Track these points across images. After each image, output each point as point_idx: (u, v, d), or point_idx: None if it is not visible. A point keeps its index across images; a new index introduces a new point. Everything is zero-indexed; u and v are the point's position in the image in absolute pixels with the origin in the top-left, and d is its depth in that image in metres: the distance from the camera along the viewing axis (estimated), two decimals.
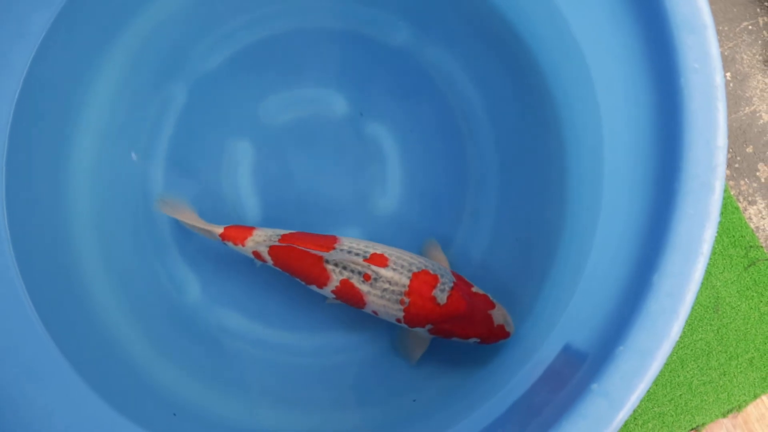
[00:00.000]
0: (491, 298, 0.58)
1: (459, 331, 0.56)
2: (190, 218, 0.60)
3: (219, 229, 0.59)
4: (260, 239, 0.58)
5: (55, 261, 0.59)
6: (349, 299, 0.57)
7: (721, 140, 0.42)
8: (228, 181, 0.66)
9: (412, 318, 0.56)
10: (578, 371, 0.43)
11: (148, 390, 0.58)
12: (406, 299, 0.55)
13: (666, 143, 0.44)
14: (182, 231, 0.64)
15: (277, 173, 0.66)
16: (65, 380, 0.52)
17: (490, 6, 0.63)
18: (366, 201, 0.65)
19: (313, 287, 0.58)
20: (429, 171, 0.66)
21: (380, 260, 0.56)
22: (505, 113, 0.65)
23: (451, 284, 0.56)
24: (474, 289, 0.58)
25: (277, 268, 0.59)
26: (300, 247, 0.56)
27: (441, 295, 0.55)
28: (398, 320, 0.57)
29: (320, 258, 0.56)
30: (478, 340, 0.57)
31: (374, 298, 0.56)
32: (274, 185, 0.66)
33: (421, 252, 0.63)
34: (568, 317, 0.51)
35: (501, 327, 0.57)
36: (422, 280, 0.55)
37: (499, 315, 0.57)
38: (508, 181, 0.65)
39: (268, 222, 0.65)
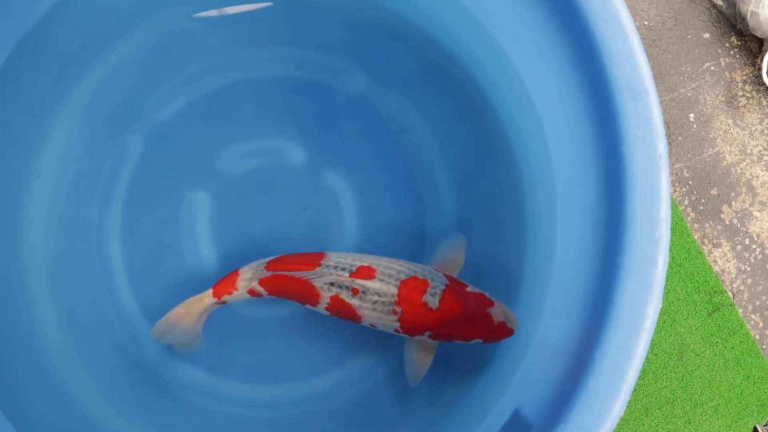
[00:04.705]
0: (489, 296, 0.56)
1: (458, 333, 0.55)
2: (183, 319, 0.59)
3: (209, 294, 0.58)
4: (248, 275, 0.58)
5: (8, 316, 0.58)
6: (343, 314, 0.56)
7: (664, 212, 0.41)
8: (185, 231, 0.65)
9: (408, 327, 0.55)
10: None
11: None
12: (398, 308, 0.54)
13: (611, 213, 0.43)
14: (137, 283, 0.64)
15: (235, 223, 0.65)
16: None
17: (447, 54, 0.62)
18: (324, 249, 0.64)
19: (309, 306, 0.57)
20: (386, 218, 0.65)
21: (367, 273, 0.55)
22: (463, 161, 0.65)
23: (443, 287, 0.55)
24: (469, 289, 0.56)
25: (274, 296, 0.58)
26: (284, 272, 0.55)
27: (432, 300, 0.54)
28: (396, 330, 0.56)
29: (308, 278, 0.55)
30: (481, 341, 0.55)
31: (366, 312, 0.55)
32: (232, 235, 0.65)
33: (442, 250, 0.61)
34: (518, 382, 0.50)
35: (502, 324, 0.54)
36: (411, 286, 0.54)
37: (498, 312, 0.55)
38: (469, 228, 0.64)
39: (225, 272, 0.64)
